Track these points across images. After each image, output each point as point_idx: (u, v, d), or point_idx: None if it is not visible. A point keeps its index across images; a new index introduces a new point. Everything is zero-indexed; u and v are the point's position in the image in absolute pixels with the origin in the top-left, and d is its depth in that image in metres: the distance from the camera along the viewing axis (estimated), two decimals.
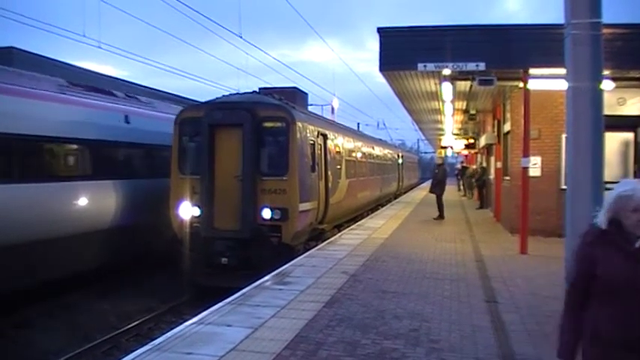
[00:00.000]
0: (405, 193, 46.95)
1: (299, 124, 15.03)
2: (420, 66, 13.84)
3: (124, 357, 6.61)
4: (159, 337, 7.44)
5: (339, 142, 20.98)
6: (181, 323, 8.03)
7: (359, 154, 25.91)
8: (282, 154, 14.80)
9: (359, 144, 26.37)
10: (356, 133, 30.32)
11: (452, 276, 11.34)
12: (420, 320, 8.07)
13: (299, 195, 14.64)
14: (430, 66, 13.81)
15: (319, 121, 19.91)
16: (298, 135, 14.88)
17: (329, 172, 18.24)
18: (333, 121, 27.81)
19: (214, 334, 7.32)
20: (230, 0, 27.04)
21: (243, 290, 9.89)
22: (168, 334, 7.42)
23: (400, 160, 46.31)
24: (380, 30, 14.40)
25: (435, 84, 17.35)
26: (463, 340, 7.21)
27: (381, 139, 44.54)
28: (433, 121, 32.52)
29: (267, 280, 10.79)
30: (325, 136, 18.32)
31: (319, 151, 17.29)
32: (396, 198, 40.61)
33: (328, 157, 18.39)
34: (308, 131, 16.03)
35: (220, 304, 8.92)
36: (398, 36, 14.80)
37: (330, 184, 18.16)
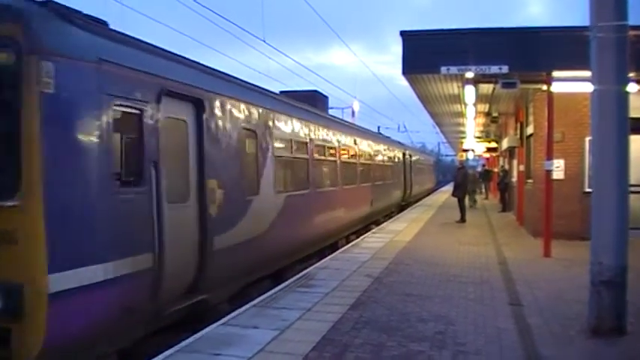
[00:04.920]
0: (415, 202, 38.98)
1: (67, 59, 6.64)
2: (443, 69, 13.85)
3: (152, 358, 6.70)
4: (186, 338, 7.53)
5: (251, 121, 11.46)
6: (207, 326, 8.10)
7: (316, 150, 16.10)
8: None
9: (316, 132, 16.25)
10: (311, 115, 16.63)
11: (476, 279, 11.34)
12: (445, 323, 8.09)
13: (59, 247, 6.32)
14: (453, 69, 13.82)
15: (183, 69, 9.49)
16: (61, 91, 6.47)
17: (211, 182, 9.39)
18: (243, 82, 12.31)
19: (241, 336, 7.40)
20: (254, 4, 27.18)
21: (269, 293, 10.00)
22: (196, 335, 7.52)
23: (406, 161, 36.96)
24: (403, 33, 14.42)
25: (458, 87, 17.33)
26: (488, 343, 7.23)
27: (375, 132, 34.43)
28: (455, 124, 32.41)
29: (291, 283, 10.87)
30: (200, 105, 9.26)
31: (176, 138, 8.78)
32: (402, 210, 32.28)
33: (211, 150, 9.46)
34: (119, 85, 7.37)
35: (246, 306, 9.02)
36: (421, 39, 14.82)
37: (216, 208, 9.46)
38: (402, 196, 34.56)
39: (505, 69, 13.53)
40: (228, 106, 10.34)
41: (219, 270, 9.38)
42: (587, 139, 15.84)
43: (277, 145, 12.98)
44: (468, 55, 13.72)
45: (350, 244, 16.82)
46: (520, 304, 9.24)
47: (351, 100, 45.15)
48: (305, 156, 15.26)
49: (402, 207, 33.81)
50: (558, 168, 16.00)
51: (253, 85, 12.79)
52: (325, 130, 17.41)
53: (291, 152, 14.20)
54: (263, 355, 6.65)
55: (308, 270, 12.33)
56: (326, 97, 22.11)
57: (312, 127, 15.87)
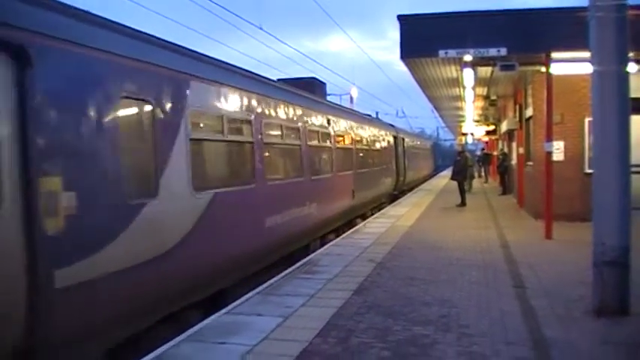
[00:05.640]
0: (411, 189, 36.09)
1: None
2: (442, 53, 13.81)
3: (157, 348, 6.71)
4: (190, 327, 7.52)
5: (142, 86, 7.83)
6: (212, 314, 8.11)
7: (265, 130, 12.03)
8: None
9: (267, 107, 12.17)
10: (257, 83, 12.49)
11: (478, 262, 11.34)
12: (448, 306, 8.09)
13: None
14: (451, 52, 13.78)
15: None
16: None
17: (47, 181, 6.01)
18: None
19: (245, 324, 7.41)
20: None
21: (272, 280, 10.00)
22: (200, 324, 7.53)
23: (399, 146, 33.16)
24: (400, 17, 14.37)
25: (456, 70, 17.28)
26: (493, 325, 7.24)
27: (359, 113, 27.83)
28: (453, 108, 32.36)
29: (294, 270, 10.88)
30: (22, 56, 5.82)
31: None
32: (394, 200, 28.96)
33: (49, 130, 6.13)
34: None
35: (249, 294, 9.03)
36: (418, 23, 14.78)
37: (59, 222, 6.10)
38: (394, 185, 30.88)
39: (503, 51, 13.50)
40: (89, 60, 6.81)
41: (71, 319, 6.19)
42: (587, 120, 15.82)
43: (195, 122, 9.22)
44: (466, 38, 13.68)
45: (352, 230, 16.82)
46: (523, 287, 9.25)
47: (349, 87, 44.77)
48: (247, 139, 11.17)
49: (395, 197, 30.65)
50: (558, 150, 15.97)
51: (147, 34, 8.65)
52: (285, 106, 13.33)
53: (223, 133, 10.17)
54: (267, 343, 6.66)
55: (310, 256, 12.34)
56: (324, 84, 22.04)
57: (259, 100, 11.71)
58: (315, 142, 15.89)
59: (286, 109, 13.45)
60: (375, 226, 17.37)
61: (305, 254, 13.29)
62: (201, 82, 9.39)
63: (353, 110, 27.53)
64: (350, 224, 19.68)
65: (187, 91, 8.86)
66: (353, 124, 21.56)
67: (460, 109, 31.10)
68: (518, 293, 8.85)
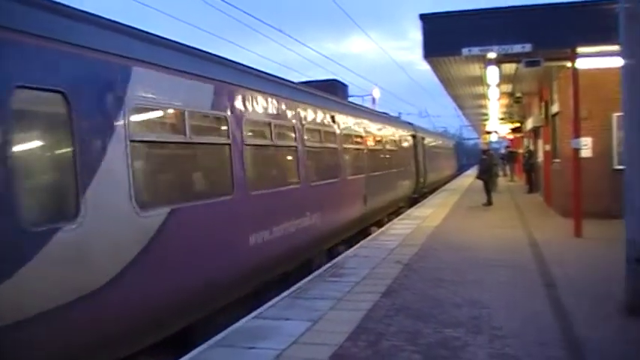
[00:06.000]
0: (432, 192, 33.69)
1: None
2: (465, 50, 13.66)
3: (187, 353, 6.69)
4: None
5: (59, 74, 5.92)
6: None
7: (249, 129, 10.22)
8: None
9: (252, 102, 10.30)
10: (244, 75, 10.60)
11: (507, 262, 11.19)
12: (479, 307, 7.98)
13: None
14: (475, 50, 13.63)
15: None
16: None
17: None
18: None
19: (274, 328, 7.37)
20: None
21: (299, 283, 9.95)
22: (229, 329, 7.49)
23: (418, 145, 30.67)
24: (422, 16, 14.25)
25: (480, 68, 17.09)
26: (525, 325, 7.12)
27: (371, 110, 26.43)
28: (477, 106, 32.08)
29: (321, 273, 10.82)
30: None
31: None
32: (415, 203, 26.79)
33: None
34: None
35: (277, 298, 8.98)
36: (441, 22, 14.64)
37: None
38: (413, 187, 28.60)
39: (528, 47, 13.31)
40: None
41: None
42: (615, 115, 15.59)
43: (140, 119, 7.24)
44: (490, 35, 13.53)
45: (377, 232, 16.73)
46: (554, 286, 9.11)
47: (371, 89, 44.44)
48: (220, 140, 9.18)
49: (414, 200, 28.36)
50: (586, 146, 15.73)
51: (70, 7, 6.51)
52: (273, 99, 11.28)
53: (185, 133, 7.97)
54: (297, 347, 6.61)
55: (337, 259, 12.28)
56: (346, 86, 21.97)
57: (235, 91, 9.65)
58: (315, 143, 13.80)
59: (276, 103, 11.34)
60: (401, 227, 17.25)
61: (308, 271, 11.65)
62: (149, 69, 7.33)
63: (363, 107, 24.52)
64: (363, 233, 17.71)
65: (127, 81, 6.86)
66: (364, 121, 19.27)
67: (484, 107, 30.81)
68: (548, 292, 8.71)
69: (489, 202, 23.02)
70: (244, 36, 27.00)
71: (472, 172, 48.25)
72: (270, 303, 8.69)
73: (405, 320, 7.51)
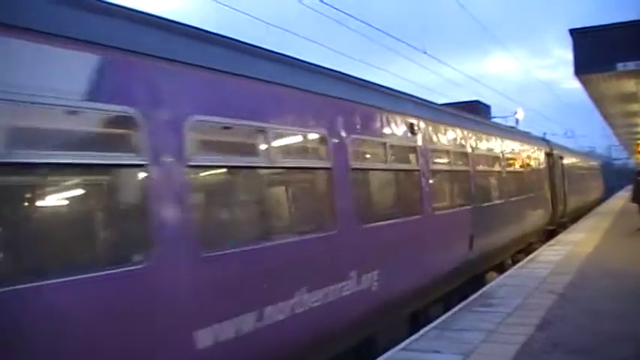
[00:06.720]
0: (575, 220, 28.43)
1: None
2: (620, 65, 12.94)
3: None
4: None
5: None
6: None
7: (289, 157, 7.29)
8: None
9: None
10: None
11: None
12: None
13: None
14: (630, 65, 12.87)
15: None
16: None
17: None
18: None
19: None
20: (413, 17, 27.16)
21: (447, 314, 9.69)
22: None
23: (554, 165, 25.38)
24: (573, 31, 13.66)
25: (636, 84, 16.15)
26: None
27: (483, 120, 18.06)
28: (629, 125, 30.41)
29: (470, 303, 10.49)
30: None
31: None
32: (550, 237, 21.85)
33: None
34: None
35: (425, 329, 8.78)
36: (593, 35, 13.96)
37: None
38: (548, 218, 23.27)
39: None
40: None
41: None
42: None
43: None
44: None
45: (526, 259, 16.02)
46: None
47: (513, 108, 42.94)
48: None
49: (551, 233, 23.23)
50: None
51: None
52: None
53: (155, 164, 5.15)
54: None
55: (485, 288, 11.87)
56: (488, 107, 21.54)
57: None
58: (379, 164, 9.74)
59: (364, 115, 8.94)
60: (551, 254, 16.48)
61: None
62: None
63: (464, 113, 15.48)
64: (474, 284, 12.81)
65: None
66: (469, 134, 13.91)
67: (637, 125, 29.15)
68: None
69: None
70: (388, 60, 27.11)
71: (623, 194, 45.43)
72: (418, 334, 8.50)
73: (565, 356, 7.08)
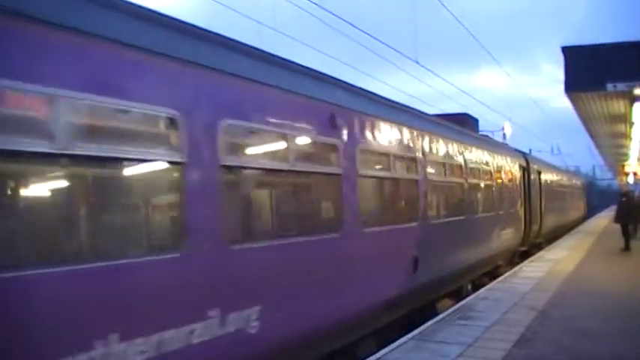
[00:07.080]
0: (551, 241, 27.31)
1: None
2: (610, 86, 12.88)
3: None
4: None
5: None
6: None
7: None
8: None
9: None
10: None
11: None
12: None
13: None
14: (621, 86, 12.82)
15: None
16: None
17: None
18: None
19: None
20: (406, 27, 27.00)
21: (426, 325, 9.54)
22: None
23: (530, 181, 23.42)
24: (565, 49, 13.60)
25: (625, 105, 16.12)
26: None
27: (450, 126, 14.79)
28: (616, 146, 30.47)
29: (449, 314, 10.35)
30: None
31: None
32: (525, 256, 21.25)
33: None
34: None
35: (403, 339, 8.62)
36: (584, 54, 13.89)
37: None
38: (520, 238, 21.27)
39: None
40: None
41: None
42: None
43: None
44: (638, 70, 12.68)
45: (507, 274, 15.93)
46: None
47: (501, 123, 42.90)
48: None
49: (524, 253, 21.95)
50: None
51: None
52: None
53: None
54: None
55: (466, 300, 11.74)
56: (476, 120, 21.48)
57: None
58: (307, 165, 7.96)
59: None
60: (532, 270, 16.41)
61: None
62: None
63: (425, 114, 13.97)
64: (420, 314, 11.06)
65: None
66: (421, 136, 11.71)
67: (624, 146, 29.21)
68: None
69: (627, 248, 21.49)
70: (379, 68, 26.96)
71: (606, 215, 45.60)
72: (395, 344, 8.35)
73: None
